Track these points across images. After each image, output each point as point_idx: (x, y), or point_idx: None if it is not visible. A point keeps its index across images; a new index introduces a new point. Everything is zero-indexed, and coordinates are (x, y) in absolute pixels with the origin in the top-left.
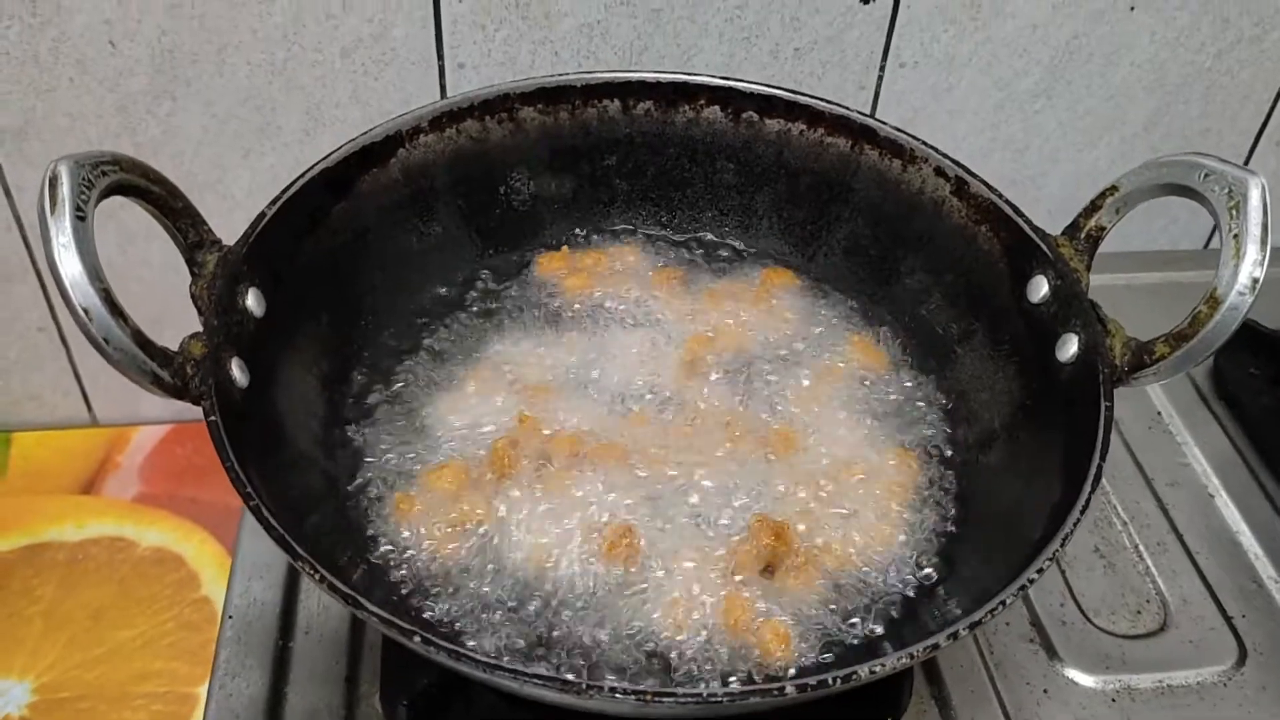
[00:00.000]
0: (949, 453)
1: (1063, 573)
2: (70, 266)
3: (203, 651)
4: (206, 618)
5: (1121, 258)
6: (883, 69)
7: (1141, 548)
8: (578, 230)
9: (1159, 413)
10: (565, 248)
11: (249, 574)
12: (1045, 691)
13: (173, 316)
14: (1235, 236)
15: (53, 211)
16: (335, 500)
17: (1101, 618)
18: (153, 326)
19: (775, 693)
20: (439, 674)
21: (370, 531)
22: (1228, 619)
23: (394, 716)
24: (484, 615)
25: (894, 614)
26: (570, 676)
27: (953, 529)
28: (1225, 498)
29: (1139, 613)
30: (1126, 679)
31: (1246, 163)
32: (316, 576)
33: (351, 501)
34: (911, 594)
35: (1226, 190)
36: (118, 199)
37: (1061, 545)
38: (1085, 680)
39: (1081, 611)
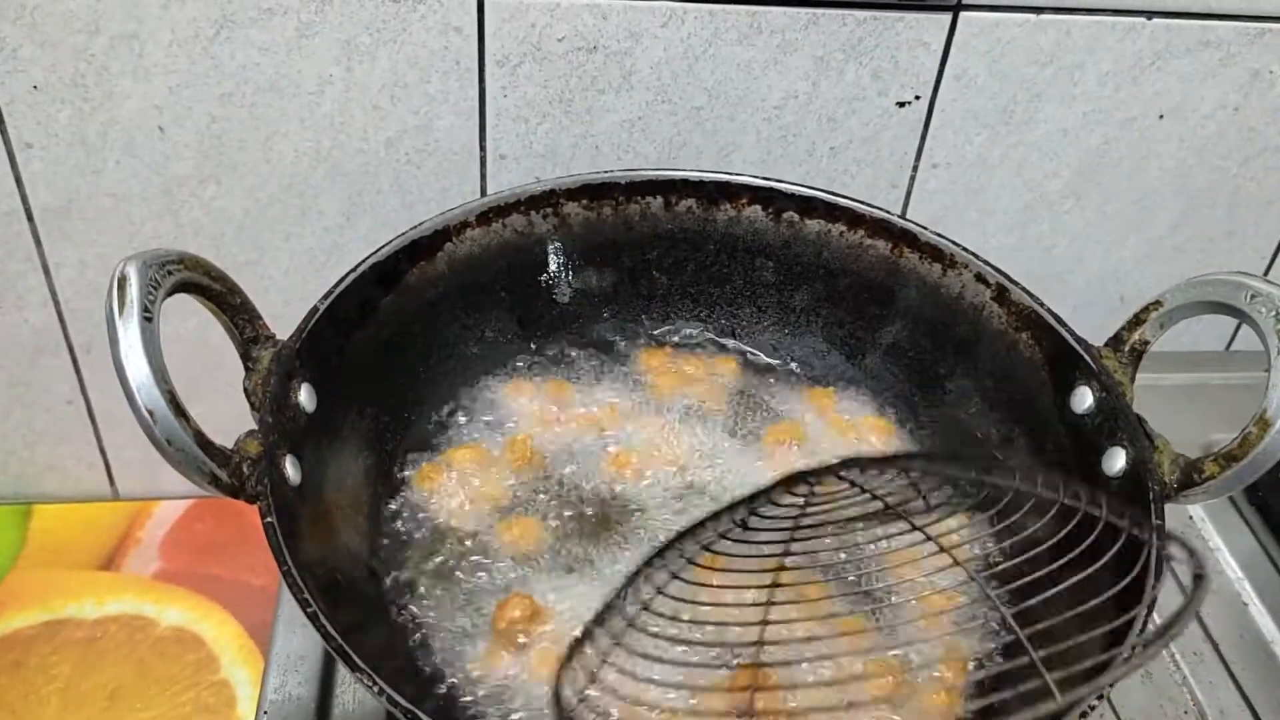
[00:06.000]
0: (993, 563)
1: None
2: (137, 369)
3: None
4: (225, 700)
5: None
6: (915, 169)
7: (1178, 656)
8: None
9: (1190, 516)
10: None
11: (284, 668)
12: None
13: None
14: None
15: (121, 313)
16: (380, 597)
17: None
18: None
19: None
20: None
21: (412, 626)
22: None
23: None
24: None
25: None
26: None
27: (1002, 643)
28: (1259, 606)
29: None
30: None
31: (1269, 267)
32: (375, 689)
33: (394, 598)
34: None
35: (1274, 313)
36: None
37: (1125, 666)
38: None
39: None
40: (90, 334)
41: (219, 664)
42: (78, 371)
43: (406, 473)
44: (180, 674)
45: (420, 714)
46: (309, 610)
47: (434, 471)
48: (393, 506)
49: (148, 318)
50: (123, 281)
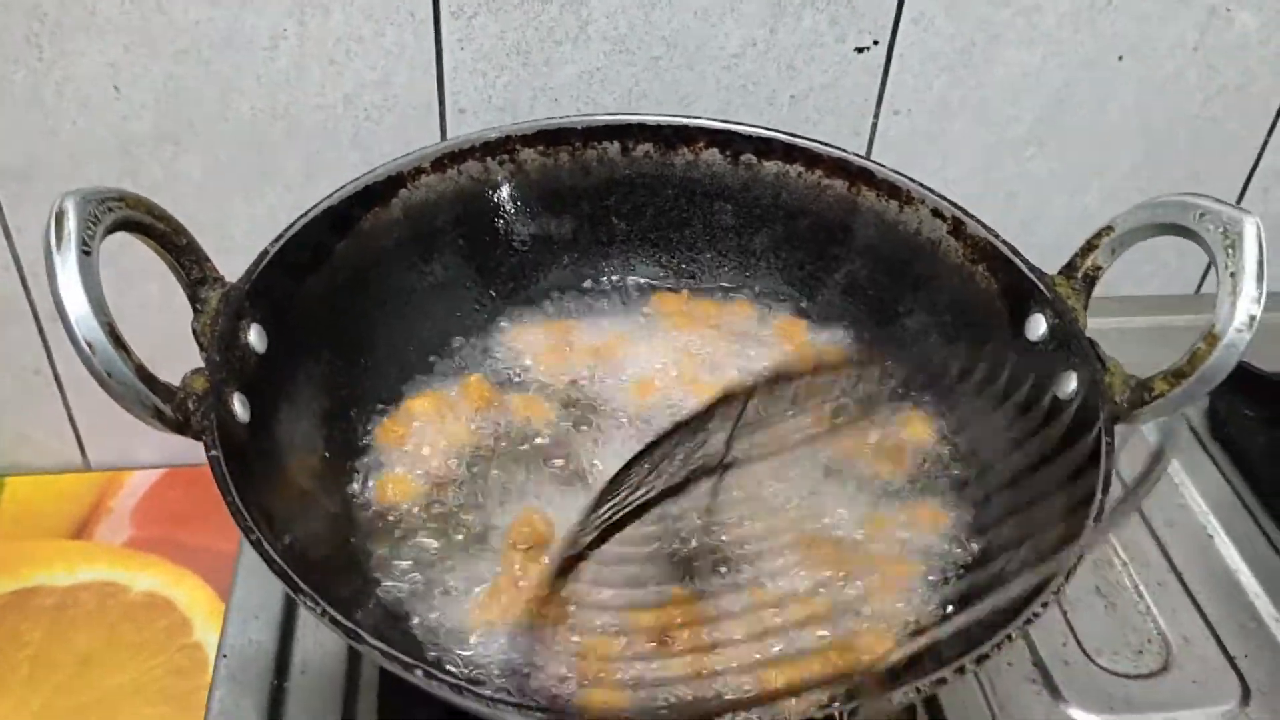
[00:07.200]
0: (950, 491)
1: (1064, 613)
2: (75, 301)
3: (193, 697)
4: (197, 664)
5: (1113, 302)
6: (877, 115)
7: (1142, 588)
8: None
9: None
10: None
11: (244, 614)
12: None
13: (170, 358)
14: (1232, 275)
15: (58, 246)
16: (335, 537)
17: (1104, 658)
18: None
19: (778, 716)
20: (436, 713)
21: (370, 569)
22: (1230, 658)
23: None
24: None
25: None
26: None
27: (956, 567)
28: (1224, 537)
29: (1141, 652)
30: (1130, 719)
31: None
32: (318, 610)
33: (351, 538)
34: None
35: (1222, 229)
36: (122, 241)
37: (1066, 579)
38: None
39: (1084, 651)
40: None
41: (191, 628)
42: (44, 339)
43: (369, 426)
44: (152, 639)
45: (365, 634)
46: (252, 537)
47: (394, 425)
48: (356, 462)
49: (86, 251)
50: (60, 216)
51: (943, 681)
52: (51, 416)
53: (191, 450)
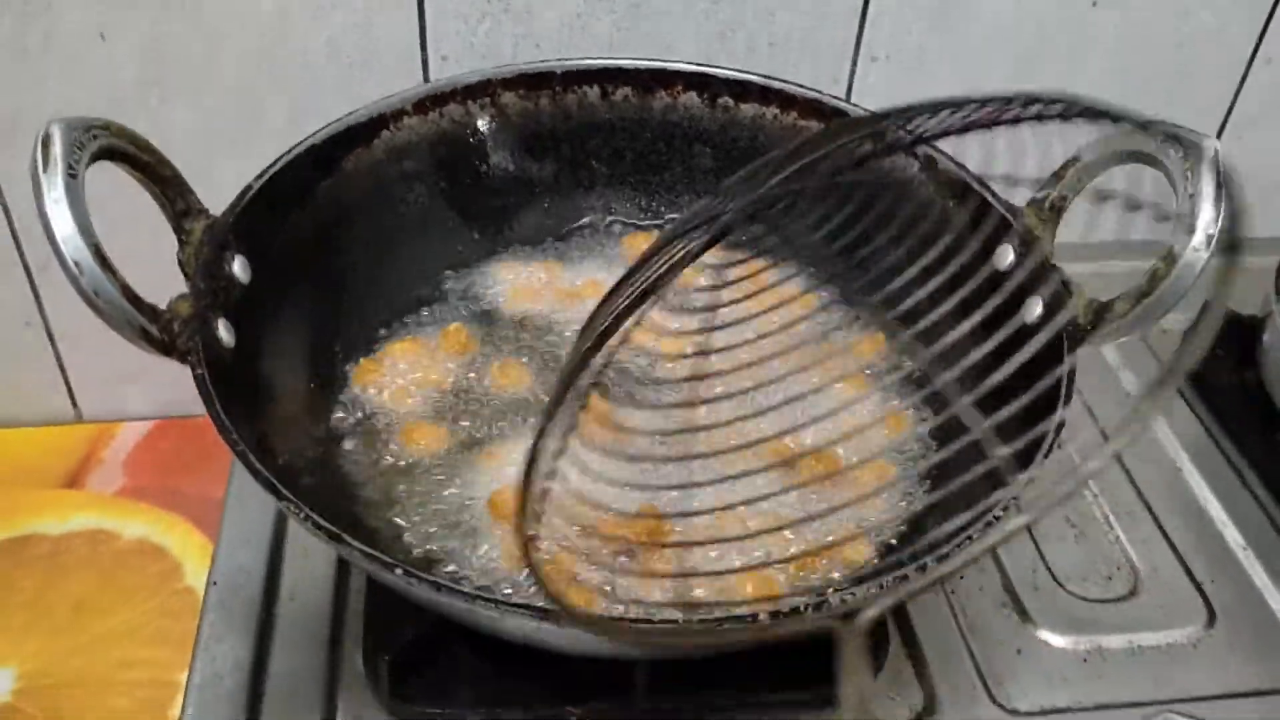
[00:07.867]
0: (921, 417)
1: (1035, 541)
2: (62, 222)
3: (186, 639)
4: (189, 607)
5: (1091, 248)
6: (855, 62)
7: (1112, 518)
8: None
9: (1128, 393)
10: None
11: (234, 542)
12: (1018, 651)
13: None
14: (1191, 197)
15: (45, 169)
16: (321, 464)
17: (1073, 583)
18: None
19: (749, 619)
20: (419, 632)
21: (356, 493)
22: (1197, 584)
23: (376, 675)
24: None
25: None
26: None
27: (924, 491)
28: (1193, 470)
29: (1110, 579)
30: (1098, 640)
31: None
32: (300, 515)
33: (336, 465)
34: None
35: (1181, 153)
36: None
37: (1026, 485)
38: (1057, 641)
39: (1054, 578)
40: (46, 251)
41: (183, 573)
42: (35, 292)
43: (347, 367)
44: (144, 583)
45: (347, 537)
46: (238, 449)
47: (372, 366)
48: (338, 395)
49: (72, 175)
50: (47, 140)
51: (905, 579)
52: (43, 369)
53: (182, 401)
